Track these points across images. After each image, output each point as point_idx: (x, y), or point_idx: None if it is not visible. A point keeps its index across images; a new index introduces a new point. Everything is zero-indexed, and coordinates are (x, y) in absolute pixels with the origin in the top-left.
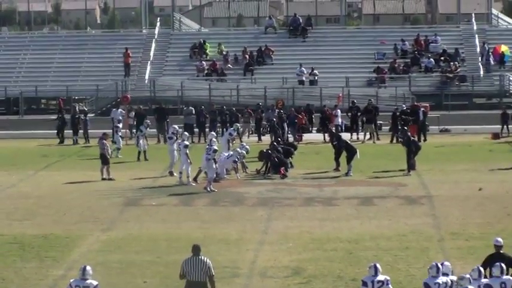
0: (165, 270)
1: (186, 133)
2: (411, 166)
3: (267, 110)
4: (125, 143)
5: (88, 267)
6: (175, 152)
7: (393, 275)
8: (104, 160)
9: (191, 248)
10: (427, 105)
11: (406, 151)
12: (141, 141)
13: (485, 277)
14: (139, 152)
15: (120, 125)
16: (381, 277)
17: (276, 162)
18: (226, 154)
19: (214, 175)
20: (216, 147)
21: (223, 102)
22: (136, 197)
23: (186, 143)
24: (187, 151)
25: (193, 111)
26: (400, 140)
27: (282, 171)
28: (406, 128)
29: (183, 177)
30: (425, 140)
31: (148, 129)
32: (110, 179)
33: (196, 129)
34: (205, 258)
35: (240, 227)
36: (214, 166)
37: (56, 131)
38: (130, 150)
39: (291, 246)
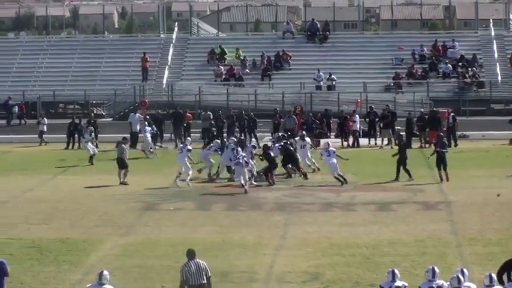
0: None
1: (189, 138)
2: (407, 172)
3: (284, 116)
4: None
5: (105, 272)
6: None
7: (411, 281)
8: (121, 164)
9: (187, 253)
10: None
11: (399, 157)
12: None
13: (503, 283)
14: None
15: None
16: (398, 283)
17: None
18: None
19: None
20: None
21: (241, 107)
22: (154, 202)
23: (190, 147)
24: (189, 155)
25: (211, 116)
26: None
27: (270, 179)
28: (402, 133)
29: (183, 176)
30: (456, 145)
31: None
32: (124, 183)
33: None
34: (201, 261)
35: (257, 232)
36: (245, 169)
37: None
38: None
39: (309, 251)
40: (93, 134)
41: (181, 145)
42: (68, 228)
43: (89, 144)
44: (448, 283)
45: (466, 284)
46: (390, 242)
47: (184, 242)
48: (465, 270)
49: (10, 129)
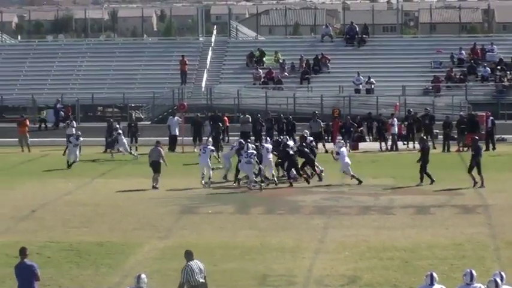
0: (221, 278)
1: (210, 139)
2: (428, 176)
3: (311, 120)
4: (182, 150)
5: (143, 275)
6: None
7: (449, 284)
8: (155, 168)
9: (185, 254)
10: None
11: (422, 161)
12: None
13: None
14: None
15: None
16: (437, 286)
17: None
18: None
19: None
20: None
21: (280, 111)
22: (192, 205)
23: (212, 147)
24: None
25: (250, 119)
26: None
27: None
28: (425, 137)
29: (205, 179)
30: (494, 148)
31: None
32: (155, 188)
33: (252, 137)
34: (199, 262)
35: (296, 236)
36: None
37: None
38: (185, 158)
39: (347, 254)
40: (81, 138)
41: (202, 145)
42: (107, 231)
43: (77, 149)
44: (486, 286)
45: (504, 287)
46: (428, 246)
47: (222, 246)
48: (503, 274)
49: (49, 133)
